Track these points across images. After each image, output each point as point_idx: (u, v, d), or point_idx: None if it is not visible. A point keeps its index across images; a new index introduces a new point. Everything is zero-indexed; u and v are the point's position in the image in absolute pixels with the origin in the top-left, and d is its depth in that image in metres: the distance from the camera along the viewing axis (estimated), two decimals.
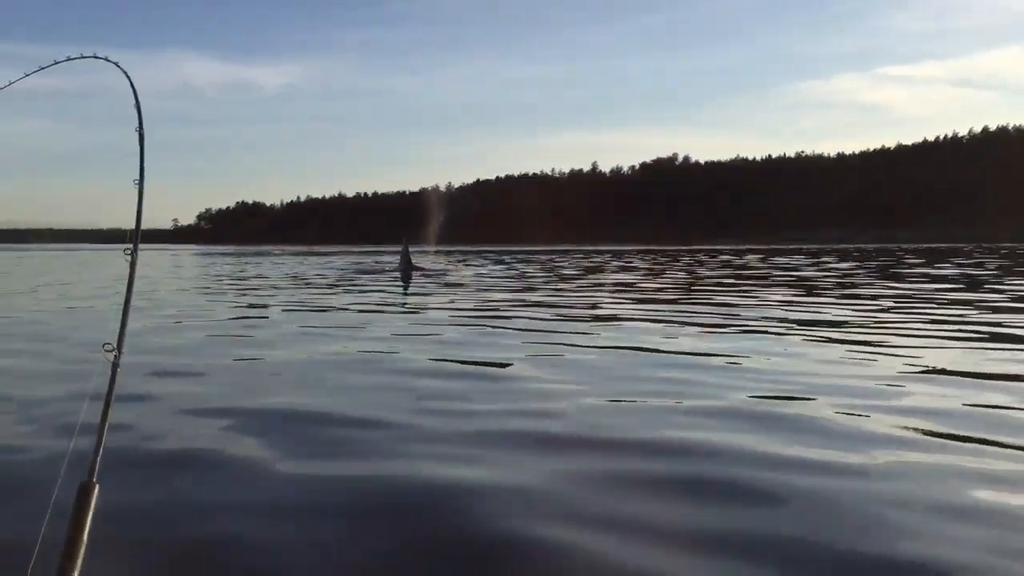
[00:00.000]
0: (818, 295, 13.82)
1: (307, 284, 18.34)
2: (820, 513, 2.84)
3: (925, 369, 5.97)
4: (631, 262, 34.85)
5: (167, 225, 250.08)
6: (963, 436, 3.91)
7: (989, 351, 6.94)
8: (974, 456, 3.58)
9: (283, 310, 11.48)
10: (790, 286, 16.53)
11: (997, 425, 4.16)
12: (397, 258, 27.32)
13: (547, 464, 3.46)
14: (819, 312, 10.62)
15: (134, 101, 2.05)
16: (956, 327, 8.70)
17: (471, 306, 11.93)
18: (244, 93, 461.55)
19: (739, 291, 15.01)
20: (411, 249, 25.69)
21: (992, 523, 2.75)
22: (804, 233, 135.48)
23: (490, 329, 8.85)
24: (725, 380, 5.48)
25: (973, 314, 10.11)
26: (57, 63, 2.06)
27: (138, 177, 1.96)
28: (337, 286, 17.37)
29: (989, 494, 3.05)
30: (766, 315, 10.18)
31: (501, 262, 35.45)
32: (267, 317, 10.49)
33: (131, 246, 1.85)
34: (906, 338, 7.78)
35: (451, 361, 6.48)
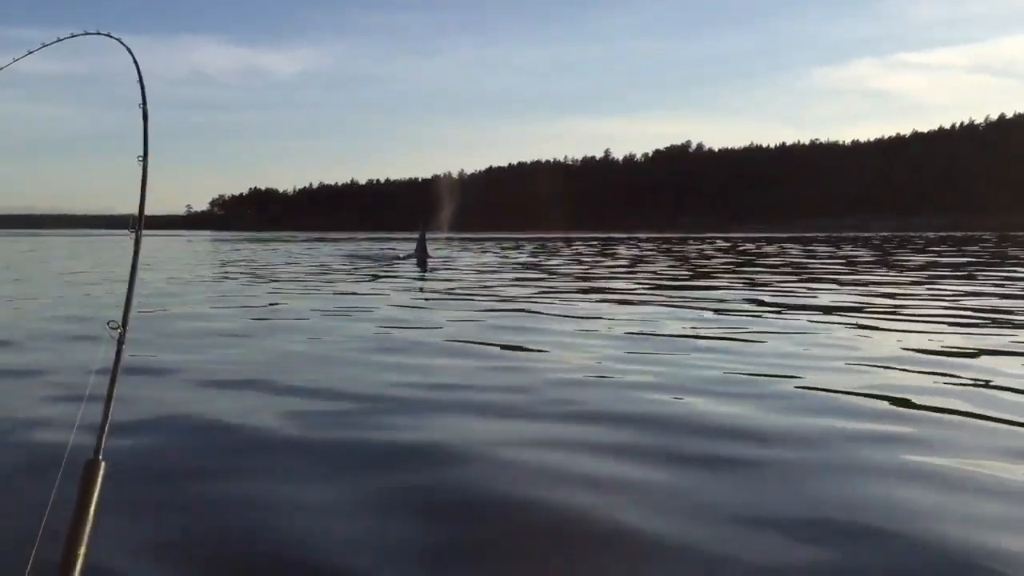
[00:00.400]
0: (824, 281, 14.05)
1: (325, 270, 18.59)
2: (780, 477, 3.18)
3: (912, 350, 6.22)
4: (643, 249, 35.14)
5: (180, 211, 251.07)
6: (925, 406, 4.22)
7: (979, 334, 7.15)
8: (928, 425, 3.90)
9: (303, 295, 11.80)
10: (798, 273, 16.76)
11: (967, 399, 4.42)
12: (412, 245, 27.45)
13: (538, 432, 3.84)
14: (820, 297, 10.88)
15: (137, 78, 2.04)
16: (954, 311, 8.92)
17: (485, 291, 12.20)
18: (257, 79, 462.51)
19: (748, 277, 15.29)
20: (430, 236, 25.86)
21: (933, 487, 3.06)
22: (820, 220, 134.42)
23: (502, 313, 9.15)
24: (715, 359, 5.78)
25: (973, 300, 10.30)
26: (61, 40, 2.05)
27: (142, 154, 1.95)
28: (356, 272, 17.69)
29: (935, 460, 3.37)
30: (769, 300, 10.45)
31: (515, 249, 35.76)
32: (286, 304, 10.78)
33: (136, 226, 1.84)
34: (902, 321, 8.03)
35: (462, 342, 6.78)
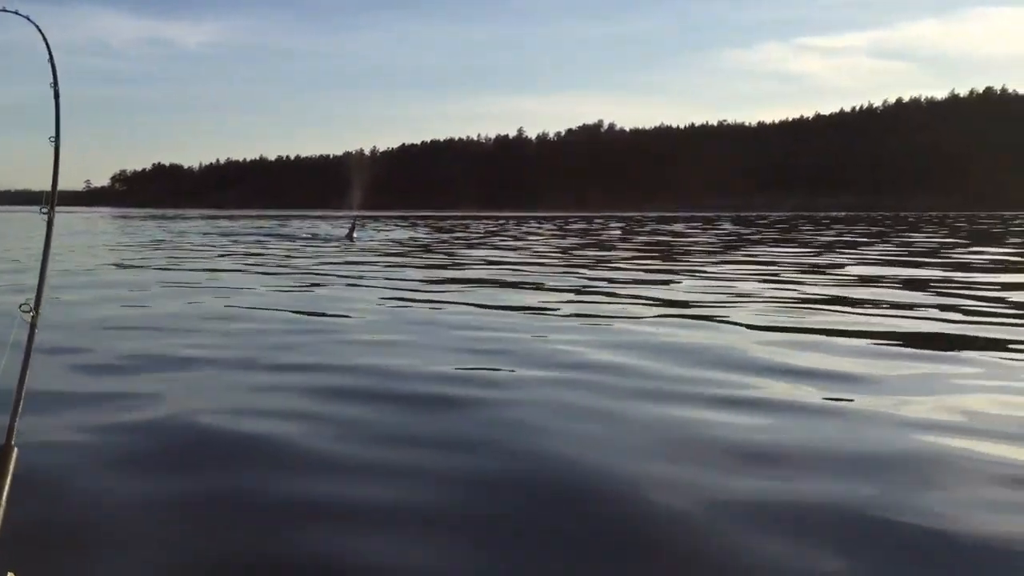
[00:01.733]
0: (697, 257, 15.27)
1: (252, 244, 18.48)
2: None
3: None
4: (544, 228, 36.46)
5: (79, 186, 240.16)
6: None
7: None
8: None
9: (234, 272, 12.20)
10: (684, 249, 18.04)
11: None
12: (346, 226, 28.74)
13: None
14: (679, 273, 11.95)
15: (48, 56, 1.96)
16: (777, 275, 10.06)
17: (383, 269, 13.02)
18: (162, 50, 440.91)
19: (634, 254, 16.48)
20: (334, 214, 26.50)
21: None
22: (727, 200, 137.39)
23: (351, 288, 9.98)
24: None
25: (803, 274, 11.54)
26: None
27: (54, 135, 1.89)
28: (295, 251, 18.17)
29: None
30: (643, 268, 11.42)
31: (421, 228, 36.77)
32: (234, 284, 11.12)
33: (48, 206, 1.80)
34: (752, 283, 9.13)
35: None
